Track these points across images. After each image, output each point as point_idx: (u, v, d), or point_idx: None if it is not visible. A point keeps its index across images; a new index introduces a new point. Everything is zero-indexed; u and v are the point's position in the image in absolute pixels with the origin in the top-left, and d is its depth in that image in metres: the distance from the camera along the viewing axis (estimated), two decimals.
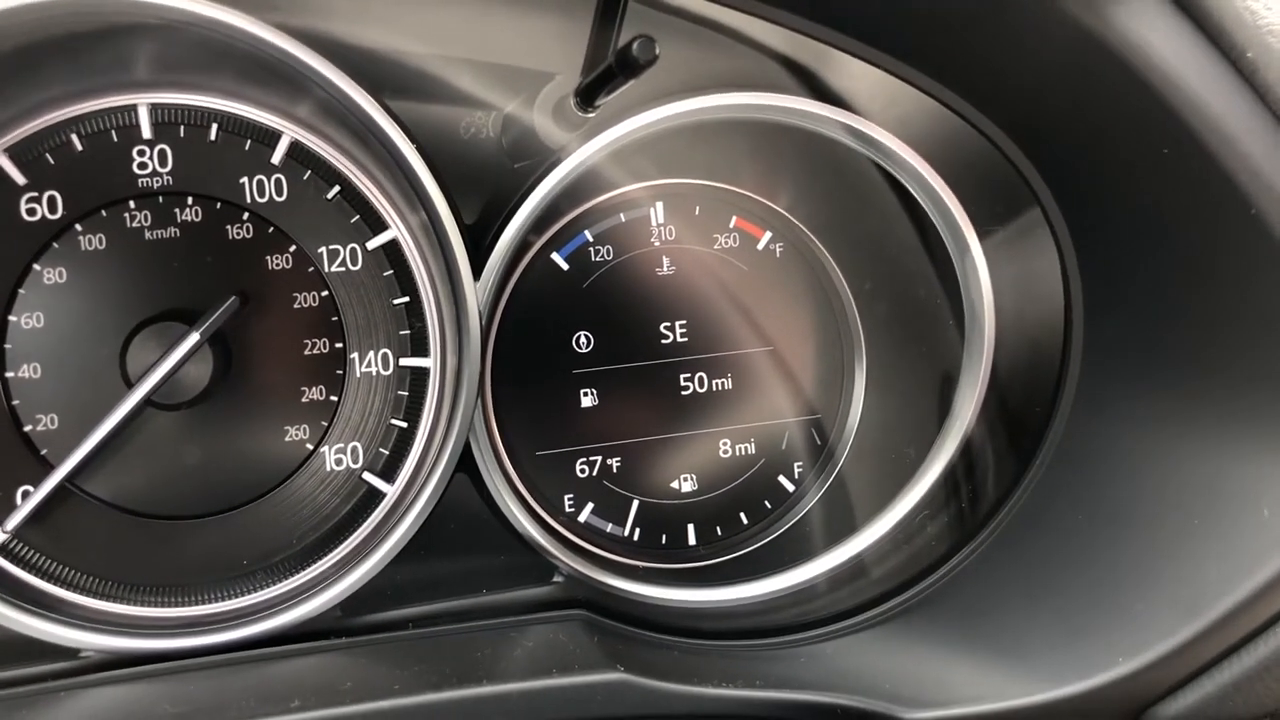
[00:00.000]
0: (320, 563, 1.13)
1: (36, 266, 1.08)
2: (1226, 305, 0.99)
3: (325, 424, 1.15)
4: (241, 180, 1.11)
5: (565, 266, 1.25)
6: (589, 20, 1.09)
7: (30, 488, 1.07)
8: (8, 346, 1.08)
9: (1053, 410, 1.20)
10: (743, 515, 1.31)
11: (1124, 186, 1.04)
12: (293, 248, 1.13)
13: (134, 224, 1.10)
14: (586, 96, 1.04)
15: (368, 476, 1.15)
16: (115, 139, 1.09)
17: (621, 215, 1.26)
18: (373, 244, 1.13)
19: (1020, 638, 1.05)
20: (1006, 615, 1.10)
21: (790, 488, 1.32)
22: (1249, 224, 0.89)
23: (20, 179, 1.07)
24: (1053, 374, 1.21)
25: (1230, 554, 0.96)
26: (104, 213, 1.09)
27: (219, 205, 1.11)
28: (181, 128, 1.10)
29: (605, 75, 0.97)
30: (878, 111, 1.19)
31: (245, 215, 1.12)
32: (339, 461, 1.15)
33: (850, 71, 1.19)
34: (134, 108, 1.08)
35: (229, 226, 1.12)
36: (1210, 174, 0.88)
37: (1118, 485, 1.10)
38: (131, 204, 1.10)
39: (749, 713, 0.99)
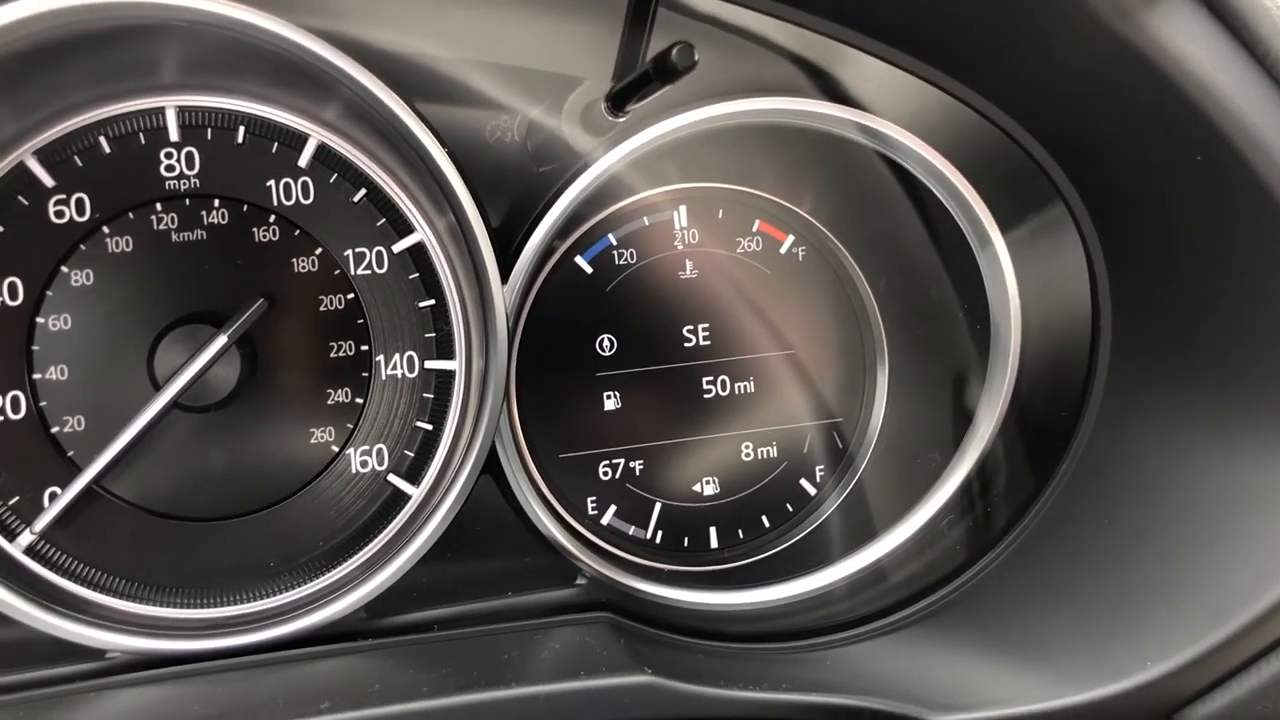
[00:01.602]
0: (346, 564, 1.13)
1: (64, 269, 1.08)
2: (1255, 311, 1.00)
3: (351, 426, 1.15)
4: (268, 183, 1.12)
5: (589, 270, 1.25)
6: (617, 25, 1.09)
7: (58, 489, 1.07)
8: (35, 348, 1.08)
9: (1078, 414, 1.20)
10: (764, 518, 1.31)
11: (1155, 193, 1.04)
12: (319, 250, 1.13)
13: (161, 226, 1.10)
14: (617, 102, 1.04)
15: (393, 479, 1.15)
16: (143, 141, 1.09)
17: (645, 219, 1.26)
18: (399, 247, 1.14)
19: (1046, 642, 1.06)
20: (1032, 619, 1.11)
21: (812, 491, 1.32)
22: None
23: (49, 181, 1.07)
24: (1078, 377, 1.21)
25: (1256, 558, 0.97)
26: (131, 215, 1.09)
27: (246, 208, 1.12)
28: (209, 130, 1.10)
29: (640, 81, 0.97)
30: (903, 116, 1.19)
31: (272, 218, 1.12)
32: (364, 463, 1.16)
33: (875, 75, 1.19)
34: (162, 110, 1.09)
35: (255, 229, 1.12)
36: (1243, 181, 0.89)
37: (1143, 489, 1.10)
38: (159, 206, 1.10)
39: (777, 715, 0.99)
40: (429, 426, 1.16)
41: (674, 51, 0.90)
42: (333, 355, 1.14)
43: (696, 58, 0.91)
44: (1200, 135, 0.89)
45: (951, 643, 1.13)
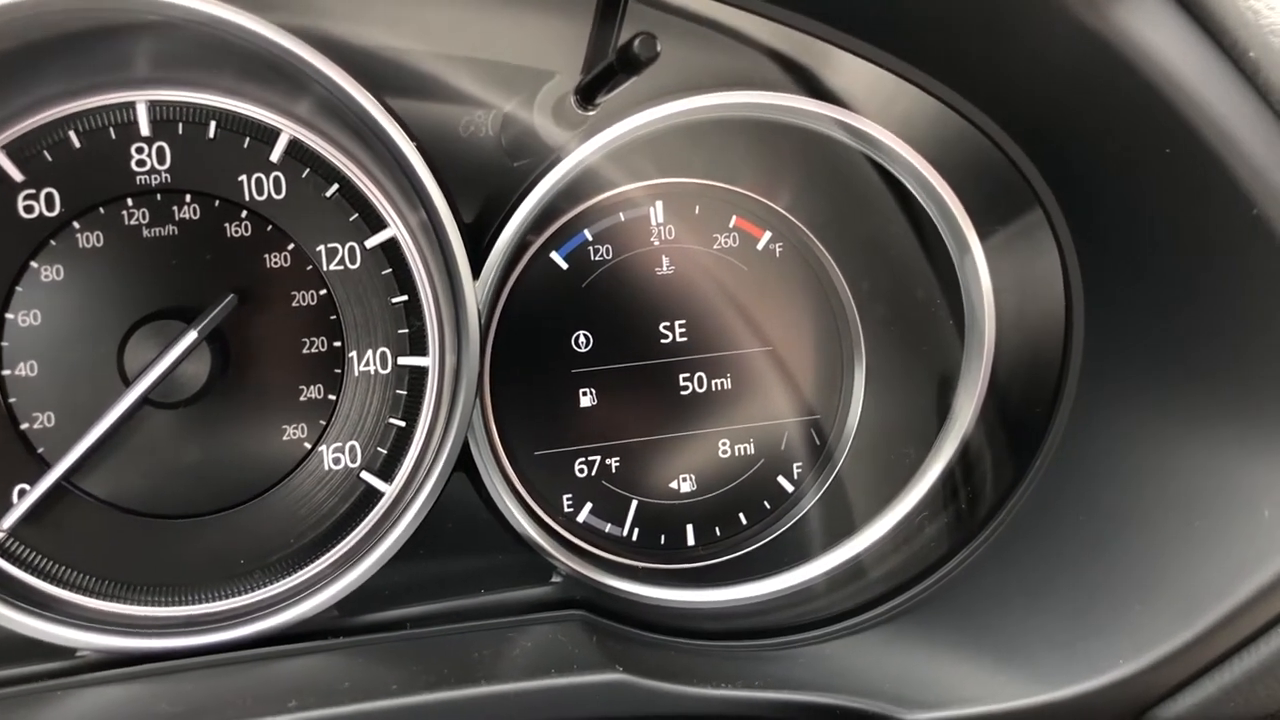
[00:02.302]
0: (318, 562, 1.13)
1: (34, 264, 1.07)
2: (1227, 306, 0.99)
3: (323, 423, 1.14)
4: (240, 178, 1.11)
5: (564, 266, 1.24)
6: (588, 19, 1.09)
7: (27, 486, 1.06)
8: (4, 344, 1.07)
9: (1052, 411, 1.20)
10: (742, 516, 1.31)
11: (1126, 186, 1.04)
12: (291, 246, 1.13)
13: (132, 222, 1.10)
14: (587, 95, 1.04)
15: (366, 476, 1.15)
16: (113, 136, 1.08)
17: (621, 214, 1.26)
18: (371, 242, 1.13)
19: (1020, 639, 1.05)
20: (1007, 616, 1.10)
21: (789, 488, 1.32)
22: (1250, 224, 0.89)
23: (18, 176, 1.06)
24: (1053, 375, 1.21)
25: (1230, 555, 0.96)
26: (102, 210, 1.09)
27: (217, 203, 1.11)
28: (180, 125, 1.09)
29: (606, 73, 0.97)
30: (878, 111, 1.19)
31: (243, 213, 1.12)
32: (337, 460, 1.15)
33: (850, 70, 1.19)
34: (132, 105, 1.08)
35: (227, 224, 1.11)
36: (1212, 173, 0.88)
37: (1117, 486, 1.10)
38: (129, 201, 1.09)
39: (749, 713, 0.99)
40: (402, 423, 1.15)
41: (636, 42, 0.90)
42: (305, 351, 1.14)
43: (659, 48, 0.90)
44: (1169, 128, 0.89)
45: (925, 641, 1.13)
